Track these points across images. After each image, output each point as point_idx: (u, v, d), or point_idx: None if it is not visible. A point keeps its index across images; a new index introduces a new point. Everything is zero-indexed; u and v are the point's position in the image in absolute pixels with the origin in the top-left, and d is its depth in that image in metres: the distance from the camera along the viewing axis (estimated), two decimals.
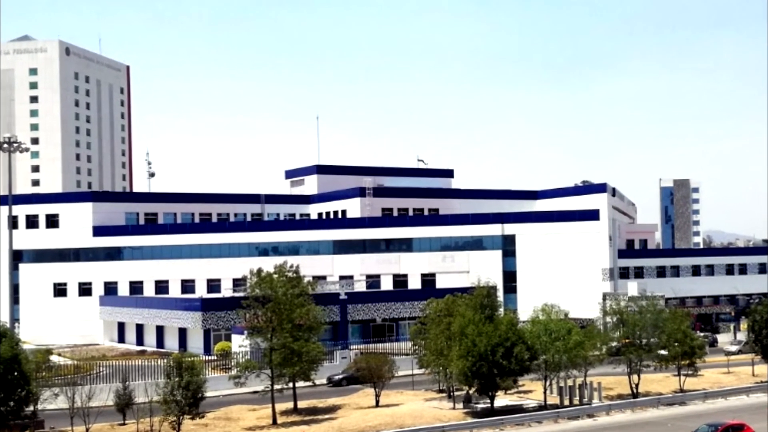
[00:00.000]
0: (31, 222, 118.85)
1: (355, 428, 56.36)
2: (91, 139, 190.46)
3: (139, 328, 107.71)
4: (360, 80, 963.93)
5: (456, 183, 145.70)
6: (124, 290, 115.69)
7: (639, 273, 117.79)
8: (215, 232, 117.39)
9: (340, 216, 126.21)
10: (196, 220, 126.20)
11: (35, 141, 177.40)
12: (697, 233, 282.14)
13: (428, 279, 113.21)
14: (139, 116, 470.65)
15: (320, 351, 64.11)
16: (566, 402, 63.72)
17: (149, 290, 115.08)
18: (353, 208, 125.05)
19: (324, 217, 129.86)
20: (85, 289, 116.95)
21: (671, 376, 73.59)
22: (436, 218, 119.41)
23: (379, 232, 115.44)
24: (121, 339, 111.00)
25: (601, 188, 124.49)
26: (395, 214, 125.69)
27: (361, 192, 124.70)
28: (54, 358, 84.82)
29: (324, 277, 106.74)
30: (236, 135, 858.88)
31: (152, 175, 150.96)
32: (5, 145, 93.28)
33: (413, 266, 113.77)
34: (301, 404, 64.26)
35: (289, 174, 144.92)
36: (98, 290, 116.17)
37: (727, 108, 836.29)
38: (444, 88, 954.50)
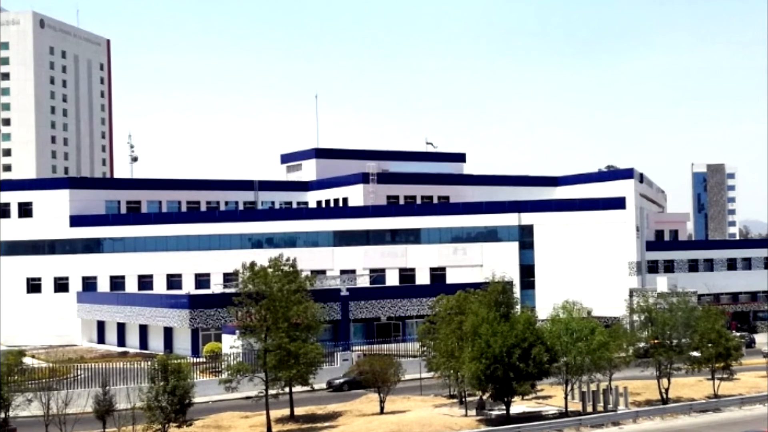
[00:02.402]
0: (2, 211, 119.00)
1: None
2: (68, 120, 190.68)
3: (121, 328, 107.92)
4: (363, 55, 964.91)
5: (468, 168, 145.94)
6: (104, 286, 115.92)
7: (669, 267, 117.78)
8: (204, 221, 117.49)
9: (341, 204, 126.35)
10: (183, 208, 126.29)
11: (7, 122, 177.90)
12: (732, 223, 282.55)
13: (438, 273, 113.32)
14: (121, 95, 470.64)
15: (319, 352, 64.27)
16: (589, 408, 63.80)
17: (131, 286, 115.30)
18: (355, 195, 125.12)
19: (323, 205, 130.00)
20: (61, 285, 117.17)
21: (704, 380, 73.66)
22: (446, 207, 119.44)
23: (383, 222, 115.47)
24: (101, 339, 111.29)
25: (627, 174, 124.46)
26: (401, 202, 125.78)
27: (364, 178, 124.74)
28: (27, 360, 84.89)
29: (323, 272, 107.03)
30: (227, 115, 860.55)
31: (135, 159, 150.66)
32: None
33: (421, 259, 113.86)
34: (298, 411, 64.41)
35: (286, 158, 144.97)
36: (76, 286, 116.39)
37: (765, 86, 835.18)
38: (455, 64, 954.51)
